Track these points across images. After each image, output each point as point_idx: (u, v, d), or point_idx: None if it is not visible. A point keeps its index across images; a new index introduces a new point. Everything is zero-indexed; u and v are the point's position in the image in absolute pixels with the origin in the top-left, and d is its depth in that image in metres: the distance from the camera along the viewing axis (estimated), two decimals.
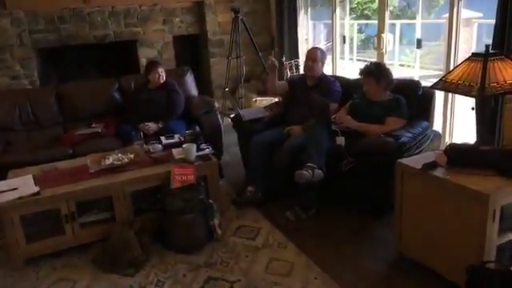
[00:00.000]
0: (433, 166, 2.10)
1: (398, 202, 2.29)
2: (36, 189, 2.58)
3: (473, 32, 4.79)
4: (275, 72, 3.47)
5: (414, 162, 2.21)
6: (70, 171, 2.89)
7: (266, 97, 5.15)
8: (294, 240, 2.66)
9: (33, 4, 4.90)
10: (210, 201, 2.72)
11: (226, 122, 4.81)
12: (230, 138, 4.07)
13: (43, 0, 4.89)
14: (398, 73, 6.33)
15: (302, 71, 4.15)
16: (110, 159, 2.87)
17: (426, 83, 3.35)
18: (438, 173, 2.06)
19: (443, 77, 2.21)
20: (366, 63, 3.09)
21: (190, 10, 5.73)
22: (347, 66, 5.62)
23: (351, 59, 6.70)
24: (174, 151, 3.04)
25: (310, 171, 2.67)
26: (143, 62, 5.57)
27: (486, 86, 1.98)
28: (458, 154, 2.07)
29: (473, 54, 2.13)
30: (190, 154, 2.90)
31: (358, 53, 8.85)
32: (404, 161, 2.25)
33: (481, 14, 5.38)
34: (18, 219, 2.51)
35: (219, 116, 4.18)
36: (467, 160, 2.05)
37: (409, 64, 8.05)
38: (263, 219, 2.95)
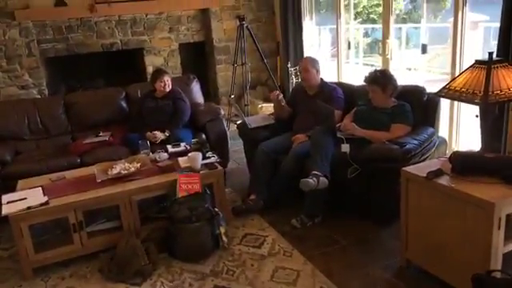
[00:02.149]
0: (437, 173, 2.09)
1: (404, 209, 2.29)
2: (44, 199, 2.62)
3: (479, 35, 4.77)
4: (281, 103, 3.54)
5: (419, 169, 2.21)
6: (77, 180, 2.92)
7: (272, 103, 5.16)
8: (300, 248, 2.67)
9: (41, 15, 4.99)
10: (216, 209, 2.74)
11: (232, 128, 4.84)
12: (237, 144, 4.09)
13: (51, 10, 4.98)
14: (404, 77, 6.31)
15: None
16: (117, 168, 2.90)
17: (432, 87, 3.32)
18: (443, 181, 2.06)
19: (447, 84, 2.21)
20: (370, 70, 3.08)
21: (195, 17, 5.79)
22: (353, 71, 5.62)
23: (357, 63, 6.69)
24: (180, 160, 3.07)
25: (315, 179, 2.67)
26: (150, 69, 5.63)
27: (490, 93, 1.98)
28: (462, 162, 2.07)
29: (476, 61, 2.12)
30: (195, 162, 2.92)
31: (364, 57, 8.84)
32: (409, 168, 2.25)
33: (487, 17, 5.36)
34: (27, 229, 2.55)
35: (225, 123, 4.20)
36: (472, 167, 2.04)
37: (416, 68, 8.03)
38: (269, 227, 2.96)
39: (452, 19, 3.53)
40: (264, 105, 5.49)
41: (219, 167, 3.01)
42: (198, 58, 6.08)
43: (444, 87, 2.23)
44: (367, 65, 8.69)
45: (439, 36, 6.11)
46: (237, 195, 3.51)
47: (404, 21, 7.81)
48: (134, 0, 5.25)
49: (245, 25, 4.92)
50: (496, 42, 6.27)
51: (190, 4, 5.59)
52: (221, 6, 5.66)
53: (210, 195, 2.78)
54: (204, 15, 5.80)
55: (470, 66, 2.15)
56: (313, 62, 3.37)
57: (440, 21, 6.84)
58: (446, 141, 3.20)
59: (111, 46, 5.43)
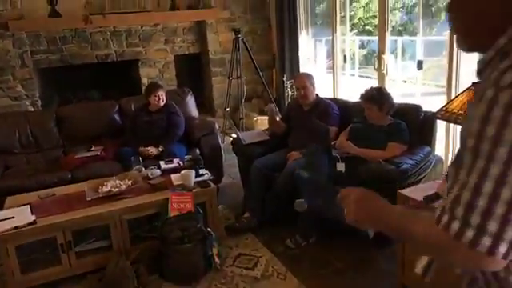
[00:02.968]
0: (434, 198, 2.05)
1: None
2: (32, 218, 2.55)
3: None
4: (275, 117, 3.53)
5: (415, 192, 2.17)
6: (67, 198, 2.86)
7: (267, 116, 5.13)
8: (294, 270, 2.61)
9: (35, 25, 4.94)
10: (209, 229, 2.68)
11: (226, 141, 4.79)
12: (231, 159, 4.04)
13: (45, 21, 4.93)
14: (400, 90, 6.32)
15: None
16: (108, 186, 2.84)
17: (427, 100, 3.28)
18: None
19: (444, 106, 2.18)
20: (366, 88, 3.05)
21: (191, 29, 5.76)
22: (349, 83, 5.61)
23: (353, 75, 6.67)
24: (173, 177, 3.01)
25: None
26: (145, 81, 5.60)
27: None
28: None
29: (473, 83, 2.09)
30: (188, 180, 2.87)
31: (360, 68, 8.84)
32: (405, 192, 2.20)
33: None
34: (14, 249, 2.48)
35: (220, 136, 4.16)
36: None
37: (412, 80, 8.03)
38: (263, 247, 2.90)
39: (448, 32, 3.51)
40: (259, 118, 5.45)
41: (212, 185, 2.96)
42: (193, 69, 6.04)
43: (441, 109, 2.19)
44: (363, 76, 8.70)
45: (434, 48, 6.13)
46: (230, 212, 3.45)
47: (400, 33, 7.80)
48: (130, 12, 5.21)
49: (240, 38, 4.89)
50: None
51: (185, 16, 5.57)
52: (216, 18, 5.63)
53: (202, 214, 2.72)
54: (200, 27, 5.77)
55: (467, 89, 2.11)
56: (310, 78, 3.35)
57: (435, 33, 6.88)
58: (442, 160, 3.16)
59: (106, 57, 5.39)
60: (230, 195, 3.76)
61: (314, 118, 3.14)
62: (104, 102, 4.19)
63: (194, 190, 2.84)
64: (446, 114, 2.11)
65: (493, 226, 0.69)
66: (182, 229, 2.56)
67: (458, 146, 3.46)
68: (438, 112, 2.18)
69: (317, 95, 3.41)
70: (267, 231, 3.09)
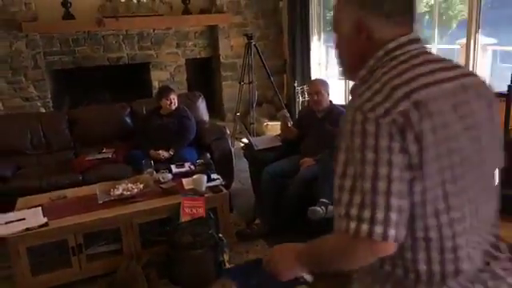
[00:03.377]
0: None
1: None
2: (44, 220, 2.55)
3: (488, 59, 4.75)
4: (287, 123, 3.53)
5: None
6: (78, 200, 2.85)
7: (278, 121, 5.11)
8: None
9: (49, 27, 4.97)
10: (220, 235, 2.66)
11: (237, 146, 4.77)
12: (241, 164, 4.01)
13: (59, 23, 4.96)
14: None
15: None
16: (120, 189, 2.83)
17: None
18: None
19: None
20: None
21: (203, 33, 5.77)
22: None
23: None
24: (185, 181, 3.00)
25: (323, 207, 2.59)
26: (156, 84, 5.60)
27: (510, 127, 1.91)
28: None
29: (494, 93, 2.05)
30: (200, 185, 2.85)
31: None
32: None
33: (495, 41, 5.34)
34: (25, 251, 2.47)
35: (230, 141, 4.14)
36: None
37: None
38: None
39: (460, 41, 3.51)
40: (270, 123, 5.43)
41: (224, 190, 2.94)
42: (204, 73, 6.04)
43: None
44: None
45: (445, 56, 6.09)
46: (241, 218, 3.42)
47: None
48: (142, 15, 5.23)
49: (253, 43, 4.89)
50: (503, 65, 6.19)
51: (197, 20, 5.57)
52: (228, 23, 5.64)
53: (213, 220, 2.70)
54: (212, 31, 5.78)
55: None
56: (324, 84, 3.32)
57: (445, 42, 6.85)
58: None
59: (118, 59, 5.41)
60: (240, 201, 3.72)
61: (327, 125, 3.10)
62: (116, 104, 4.19)
63: (206, 195, 2.82)
64: None
65: (380, 215, 0.84)
66: (194, 234, 2.53)
67: None
68: None
69: (331, 102, 3.38)
70: (278, 238, 3.04)
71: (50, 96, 5.16)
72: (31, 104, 5.05)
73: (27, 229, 2.47)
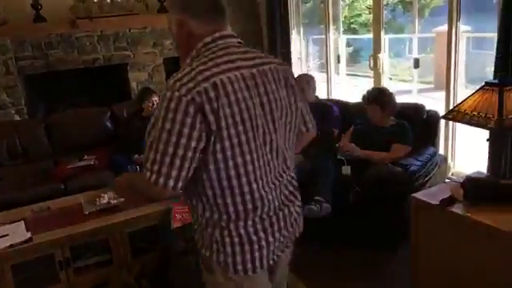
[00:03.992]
0: (450, 201, 2.00)
1: (414, 238, 2.19)
2: (28, 235, 2.42)
3: (463, 46, 4.81)
4: None
5: (429, 195, 2.11)
6: (62, 212, 2.73)
7: None
8: (304, 277, 2.53)
9: (19, 31, 4.76)
10: None
11: None
12: None
13: (30, 26, 4.75)
14: (391, 89, 6.31)
15: None
16: (106, 198, 2.72)
17: (420, 98, 3.23)
18: (457, 209, 1.96)
19: (455, 107, 2.13)
20: (368, 89, 3.00)
21: None
22: (339, 82, 5.57)
23: (337, 73, 6.65)
24: None
25: (317, 205, 2.56)
26: (134, 85, 5.45)
27: (504, 117, 1.90)
28: (476, 188, 1.97)
29: (486, 83, 2.04)
30: None
31: (346, 66, 8.80)
32: (419, 195, 2.14)
33: (469, 28, 5.42)
34: (9, 268, 2.34)
35: None
36: (486, 194, 1.95)
37: (404, 79, 8.05)
38: None
39: (437, 29, 3.51)
40: None
41: None
42: None
43: (452, 110, 2.14)
44: (350, 75, 8.68)
45: (419, 45, 6.16)
46: None
47: (384, 30, 7.81)
48: (117, 15, 5.06)
49: None
50: (476, 51, 6.29)
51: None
52: None
53: None
54: None
55: (480, 88, 2.06)
56: (309, 80, 3.26)
57: (420, 31, 6.92)
58: (445, 158, 3.12)
59: (93, 61, 5.22)
60: None
61: (316, 122, 3.06)
62: (95, 108, 4.05)
63: None
64: (458, 115, 2.06)
65: (164, 170, 1.14)
66: (186, 240, 2.46)
67: (458, 143, 3.42)
68: (449, 113, 2.13)
69: (316, 97, 3.34)
70: None
71: (24, 103, 4.93)
72: (5, 112, 4.82)
73: (11, 245, 2.34)
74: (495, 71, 2.62)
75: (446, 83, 3.55)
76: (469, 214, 1.90)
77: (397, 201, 2.48)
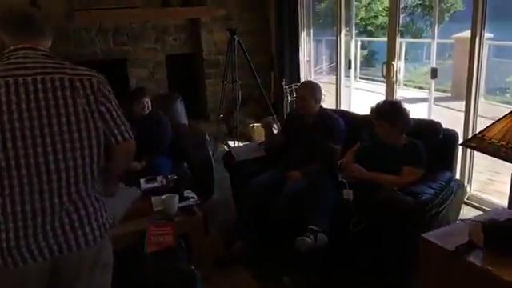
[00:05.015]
0: (468, 248, 1.66)
1: (423, 284, 1.85)
2: None
3: (484, 53, 4.49)
4: (273, 131, 3.29)
5: (443, 238, 1.78)
6: None
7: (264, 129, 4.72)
8: None
9: None
10: (192, 267, 2.28)
11: (221, 150, 4.39)
12: (225, 170, 3.60)
13: None
14: (406, 96, 5.95)
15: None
16: None
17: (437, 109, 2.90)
18: (476, 259, 1.63)
19: (479, 133, 1.78)
20: (378, 102, 2.65)
21: (183, 28, 5.35)
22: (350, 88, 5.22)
23: (347, 76, 6.31)
24: (154, 200, 2.60)
25: (312, 236, 2.23)
26: (134, 82, 5.19)
27: None
28: (500, 235, 1.64)
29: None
30: (171, 207, 2.48)
31: (360, 70, 8.42)
32: (430, 237, 1.80)
33: (491, 35, 5.06)
34: None
35: (213, 145, 3.77)
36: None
37: (420, 85, 7.66)
38: (256, 284, 2.50)
39: (456, 35, 3.18)
40: (256, 124, 5.03)
41: (198, 212, 2.56)
42: (186, 70, 5.63)
43: (474, 136, 1.80)
44: (363, 79, 8.31)
45: (437, 51, 5.79)
46: (220, 236, 3.03)
47: (401, 34, 7.46)
48: (117, 8, 4.78)
49: (236, 39, 4.48)
50: (498, 59, 5.87)
51: (177, 13, 5.13)
52: (211, 16, 5.21)
53: (184, 249, 2.32)
54: (193, 25, 5.36)
55: (510, 113, 1.72)
56: (313, 90, 2.92)
57: (438, 36, 6.54)
58: (462, 184, 2.77)
59: (90, 56, 4.96)
60: (221, 215, 3.34)
61: (319, 136, 2.74)
62: None
63: (177, 219, 2.44)
64: (483, 144, 1.72)
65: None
66: (160, 268, 2.16)
67: (475, 166, 3.04)
68: (470, 140, 1.79)
69: (321, 107, 3.01)
70: (262, 263, 2.69)
71: None
72: None
73: None
74: None
75: (466, 94, 3.26)
76: (490, 268, 1.56)
77: (404, 234, 2.15)
